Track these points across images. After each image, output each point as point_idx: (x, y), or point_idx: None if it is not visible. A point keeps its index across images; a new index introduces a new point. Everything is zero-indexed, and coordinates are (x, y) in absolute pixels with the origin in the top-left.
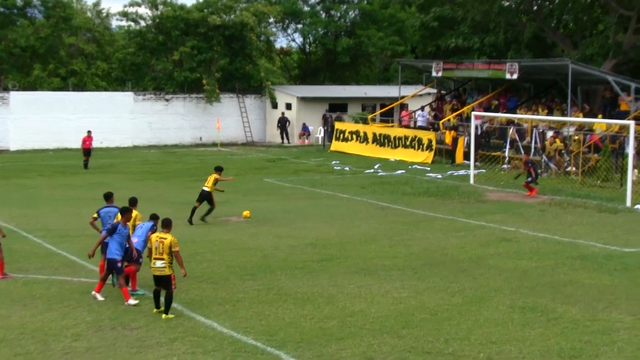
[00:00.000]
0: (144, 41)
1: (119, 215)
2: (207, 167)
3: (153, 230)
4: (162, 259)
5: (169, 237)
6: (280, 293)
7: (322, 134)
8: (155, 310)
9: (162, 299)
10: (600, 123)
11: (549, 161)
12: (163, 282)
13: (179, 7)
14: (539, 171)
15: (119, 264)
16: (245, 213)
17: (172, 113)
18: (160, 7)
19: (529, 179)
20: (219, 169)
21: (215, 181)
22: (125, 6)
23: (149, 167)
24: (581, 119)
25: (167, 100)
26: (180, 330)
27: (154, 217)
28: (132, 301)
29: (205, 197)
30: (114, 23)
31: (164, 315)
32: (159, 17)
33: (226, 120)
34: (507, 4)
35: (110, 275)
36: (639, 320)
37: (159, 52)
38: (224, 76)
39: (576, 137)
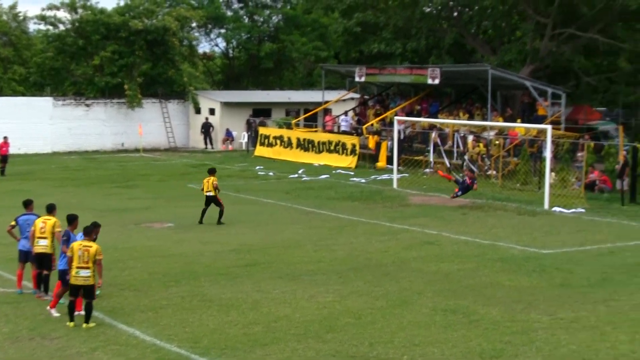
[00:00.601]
0: (63, 45)
1: (37, 223)
2: (129, 173)
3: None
4: (88, 268)
5: (94, 246)
6: (204, 299)
7: (245, 139)
8: (70, 323)
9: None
10: (518, 127)
11: (472, 164)
12: (86, 292)
13: (99, 11)
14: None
15: (68, 276)
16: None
17: (93, 118)
18: (80, 10)
19: (459, 192)
20: (213, 171)
21: (215, 184)
22: (43, 9)
23: (69, 174)
24: (501, 124)
25: (87, 105)
26: (102, 339)
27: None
28: (55, 313)
29: (212, 200)
30: (32, 27)
31: (84, 325)
32: (79, 20)
33: (149, 125)
34: (428, 10)
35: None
36: (555, 320)
37: (78, 57)
38: (146, 81)
39: (497, 142)
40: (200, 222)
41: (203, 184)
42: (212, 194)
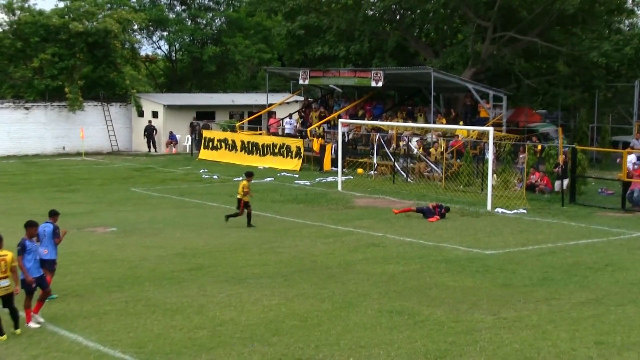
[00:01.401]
0: (0, 47)
1: None
2: (71, 177)
3: (56, 233)
4: (7, 277)
5: (9, 254)
6: (148, 304)
7: (189, 142)
8: (3, 337)
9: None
10: (461, 129)
11: (435, 166)
12: (9, 301)
13: (37, 12)
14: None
15: (34, 285)
16: None
17: (33, 122)
18: (18, 12)
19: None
20: (249, 175)
21: (244, 188)
22: None
23: (9, 178)
24: (443, 126)
25: (27, 108)
26: (43, 346)
27: (53, 214)
28: (32, 324)
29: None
30: None
31: (17, 331)
32: (17, 22)
33: (90, 129)
34: (371, 13)
35: None
36: (498, 319)
37: (17, 59)
38: (88, 84)
39: (433, 145)
40: (250, 225)
41: (243, 186)
42: (239, 196)
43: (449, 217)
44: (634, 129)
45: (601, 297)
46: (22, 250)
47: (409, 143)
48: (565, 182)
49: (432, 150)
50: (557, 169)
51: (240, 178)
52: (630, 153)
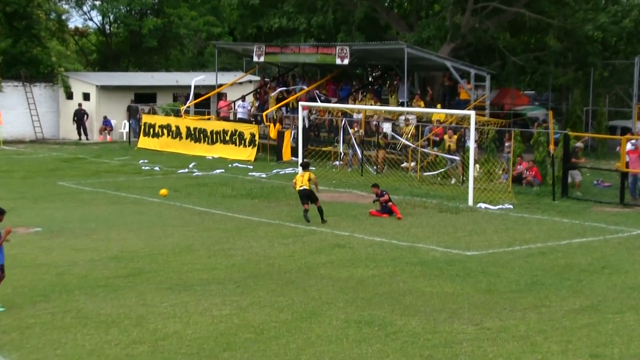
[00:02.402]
0: None
1: None
2: None
3: None
4: None
5: None
6: (79, 316)
7: (127, 129)
8: None
9: None
10: (439, 113)
11: (452, 156)
12: None
13: None
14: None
15: None
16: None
17: None
18: None
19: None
20: (307, 165)
21: (314, 179)
22: None
23: None
24: (420, 109)
25: None
26: None
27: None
28: None
29: (308, 196)
30: None
31: None
32: None
33: (10, 113)
34: None
35: None
36: (481, 330)
37: None
38: (6, 61)
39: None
40: (307, 220)
41: (297, 180)
42: (306, 187)
43: (426, 213)
44: (633, 113)
45: (597, 303)
46: None
47: (381, 128)
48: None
49: (445, 138)
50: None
51: (186, 170)
52: (630, 140)
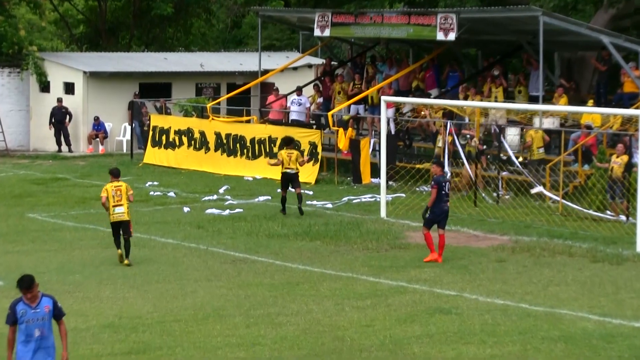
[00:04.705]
0: None
1: None
2: None
3: None
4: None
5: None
6: None
7: (128, 136)
8: None
9: None
10: (592, 113)
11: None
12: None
13: None
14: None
15: None
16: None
17: None
18: None
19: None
20: (290, 142)
21: (301, 160)
22: None
23: None
24: (564, 107)
25: None
26: None
27: None
28: None
29: (293, 180)
30: None
31: None
32: None
33: None
34: None
35: None
36: None
37: None
38: None
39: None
40: (284, 211)
41: (282, 157)
42: (294, 171)
43: (571, 264)
44: None
45: None
46: None
47: (502, 137)
48: None
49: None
50: None
51: (214, 197)
52: None
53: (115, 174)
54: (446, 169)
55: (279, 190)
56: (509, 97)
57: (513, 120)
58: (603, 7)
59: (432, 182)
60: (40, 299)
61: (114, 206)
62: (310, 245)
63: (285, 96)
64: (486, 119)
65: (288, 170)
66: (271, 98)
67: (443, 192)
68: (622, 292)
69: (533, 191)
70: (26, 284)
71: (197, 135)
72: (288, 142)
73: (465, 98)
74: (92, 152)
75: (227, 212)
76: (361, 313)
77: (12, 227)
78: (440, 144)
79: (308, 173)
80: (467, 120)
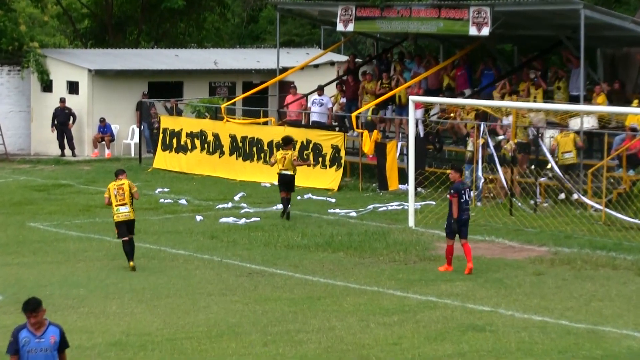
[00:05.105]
0: None
1: None
2: None
3: None
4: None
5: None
6: None
7: (136, 139)
8: None
9: None
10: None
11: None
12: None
13: None
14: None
15: None
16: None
17: None
18: None
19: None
20: (289, 141)
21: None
22: None
23: None
24: (606, 108)
25: None
26: None
27: None
28: None
29: (289, 182)
30: None
31: None
32: None
33: None
34: None
35: None
36: None
37: None
38: None
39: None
40: (284, 216)
41: (276, 158)
42: (290, 173)
43: (616, 277)
44: None
45: None
46: None
47: (540, 139)
48: None
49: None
50: None
51: (229, 205)
52: None
53: (118, 173)
54: (479, 173)
55: (301, 196)
56: (548, 97)
57: (552, 122)
58: None
59: (451, 190)
60: (47, 328)
61: (118, 206)
62: (333, 256)
63: (306, 96)
64: (522, 121)
65: (283, 172)
66: (289, 98)
67: (462, 199)
68: None
69: (573, 198)
70: (31, 306)
71: (210, 138)
72: (286, 142)
73: (502, 98)
74: (97, 156)
75: (242, 221)
76: (387, 330)
77: (11, 238)
78: (470, 146)
79: (330, 179)
80: (503, 122)
